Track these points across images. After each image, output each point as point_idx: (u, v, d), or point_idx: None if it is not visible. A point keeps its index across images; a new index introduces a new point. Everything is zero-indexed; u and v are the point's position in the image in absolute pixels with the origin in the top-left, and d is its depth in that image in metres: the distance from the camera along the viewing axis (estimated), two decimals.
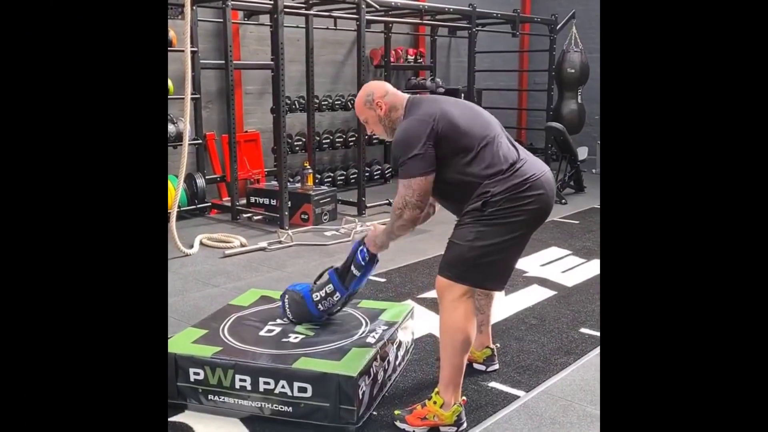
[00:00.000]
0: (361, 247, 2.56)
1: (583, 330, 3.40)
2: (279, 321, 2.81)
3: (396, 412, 2.49)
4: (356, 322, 2.81)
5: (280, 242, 5.14)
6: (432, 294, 3.98)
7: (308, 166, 6.03)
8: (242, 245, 5.01)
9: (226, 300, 3.64)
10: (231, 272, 4.46)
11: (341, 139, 7.32)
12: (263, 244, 5.04)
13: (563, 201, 6.73)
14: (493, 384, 2.81)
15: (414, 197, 2.30)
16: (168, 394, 2.50)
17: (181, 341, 2.61)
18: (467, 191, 2.33)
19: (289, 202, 5.68)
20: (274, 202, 5.81)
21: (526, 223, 2.33)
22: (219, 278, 4.32)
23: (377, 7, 6.01)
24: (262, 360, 2.44)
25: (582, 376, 2.90)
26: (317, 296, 2.66)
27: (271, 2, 5.37)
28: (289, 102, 6.61)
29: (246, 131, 6.80)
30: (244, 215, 6.02)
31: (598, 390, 2.74)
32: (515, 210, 2.28)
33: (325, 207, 5.86)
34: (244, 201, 6.20)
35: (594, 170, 8.56)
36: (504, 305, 3.72)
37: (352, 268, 2.59)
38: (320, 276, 2.72)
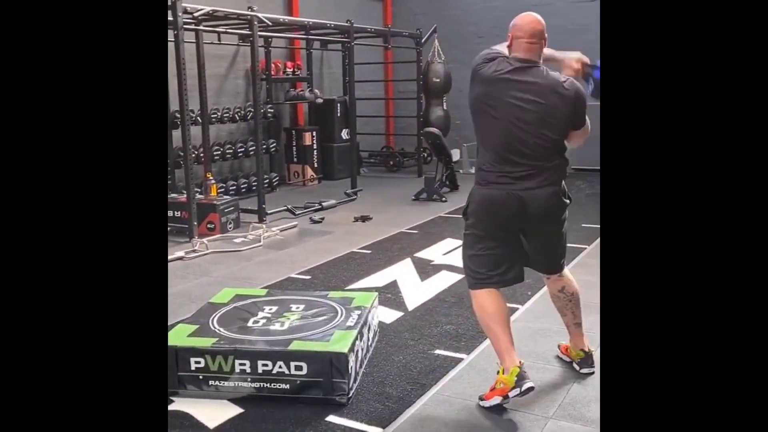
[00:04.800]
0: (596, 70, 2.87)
1: None
2: (261, 315, 3.12)
3: (480, 396, 2.80)
4: (333, 310, 3.18)
5: (194, 251, 5.31)
6: (359, 284, 4.41)
7: (211, 177, 6.20)
8: None
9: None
10: None
11: (231, 151, 7.52)
12: (180, 253, 5.19)
13: (444, 199, 7.39)
14: (438, 351, 3.31)
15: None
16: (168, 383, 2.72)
17: (178, 335, 2.85)
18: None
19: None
20: (178, 214, 5.93)
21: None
22: None
23: (269, 23, 6.32)
24: (260, 345, 2.75)
25: None
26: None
27: (171, 18, 5.52)
28: (178, 116, 6.69)
29: None
30: None
31: (522, 339, 3.33)
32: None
33: (229, 216, 6.08)
34: None
35: (461, 170, 9.25)
36: (422, 291, 4.26)
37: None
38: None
